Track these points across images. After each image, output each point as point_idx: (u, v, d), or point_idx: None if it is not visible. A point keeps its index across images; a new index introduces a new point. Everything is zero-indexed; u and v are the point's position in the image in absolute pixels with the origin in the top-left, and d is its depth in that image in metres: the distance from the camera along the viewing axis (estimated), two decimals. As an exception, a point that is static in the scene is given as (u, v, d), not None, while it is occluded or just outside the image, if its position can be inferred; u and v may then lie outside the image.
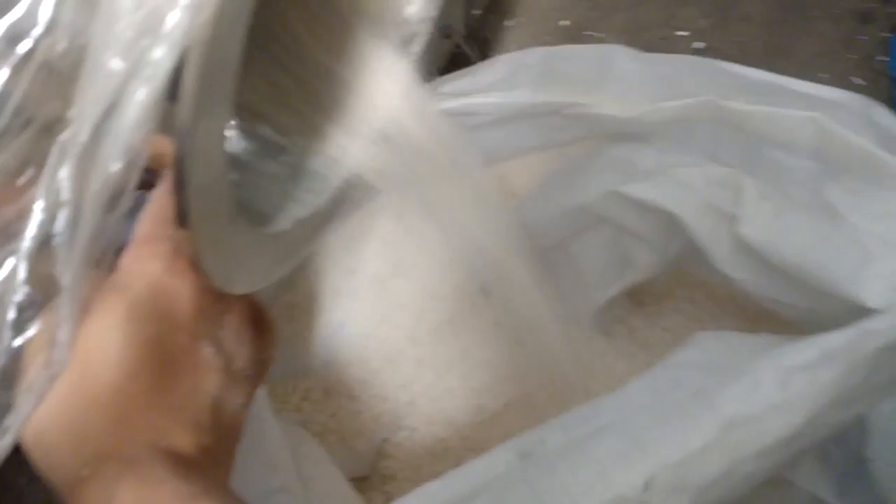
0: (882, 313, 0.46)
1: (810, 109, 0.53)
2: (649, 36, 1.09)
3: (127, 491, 0.26)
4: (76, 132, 0.24)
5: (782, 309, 0.59)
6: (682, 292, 0.68)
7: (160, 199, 0.29)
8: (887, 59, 1.05)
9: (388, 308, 0.66)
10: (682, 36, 1.09)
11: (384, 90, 0.51)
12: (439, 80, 0.60)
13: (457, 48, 1.04)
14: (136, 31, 0.22)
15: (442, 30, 1.07)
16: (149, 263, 0.28)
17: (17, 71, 0.23)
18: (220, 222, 0.33)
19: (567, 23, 1.12)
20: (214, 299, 0.31)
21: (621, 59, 0.58)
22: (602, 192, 0.59)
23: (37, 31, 0.23)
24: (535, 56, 0.60)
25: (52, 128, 0.25)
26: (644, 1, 1.12)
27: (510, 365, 0.64)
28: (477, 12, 1.10)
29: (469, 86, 0.60)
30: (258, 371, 0.34)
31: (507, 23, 1.14)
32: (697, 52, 1.06)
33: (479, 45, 1.09)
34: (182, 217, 0.29)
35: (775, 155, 0.56)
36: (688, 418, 0.43)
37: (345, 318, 0.64)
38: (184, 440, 0.29)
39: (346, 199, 0.51)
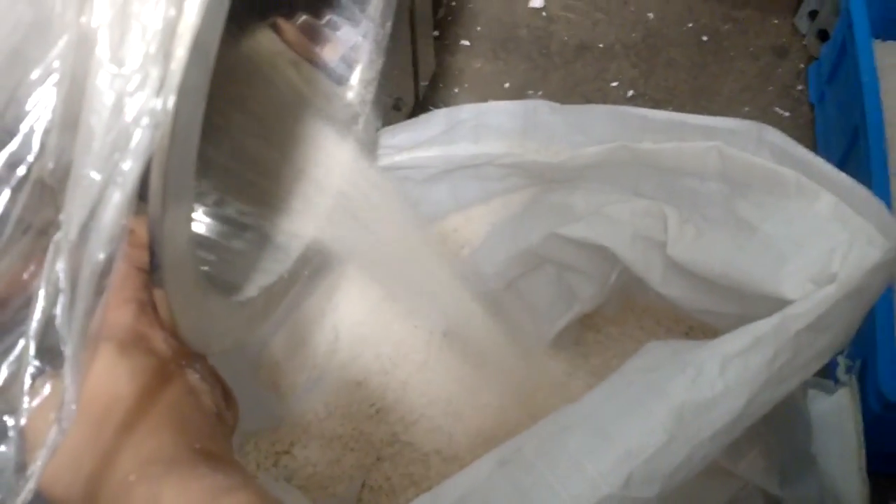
0: (800, 301, 0.51)
1: (710, 139, 0.59)
2: (585, 89, 1.17)
3: (171, 487, 0.31)
4: (66, 232, 0.29)
5: (717, 320, 0.64)
6: (632, 319, 0.74)
7: (121, 271, 0.35)
8: (805, 88, 1.14)
9: (365, 361, 0.71)
10: (614, 86, 1.16)
11: (333, 167, 0.58)
12: (382, 131, 0.66)
13: (409, 119, 1.11)
14: (109, 148, 0.28)
15: (393, 103, 1.14)
16: (122, 319, 0.34)
17: (16, 190, 0.29)
18: (192, 294, 0.39)
19: (509, 85, 1.20)
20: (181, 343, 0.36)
21: (543, 111, 0.64)
22: (543, 235, 0.65)
23: (31, 157, 0.29)
24: (467, 112, 0.66)
25: (46, 231, 0.30)
26: (578, 59, 1.20)
27: (476, 401, 0.69)
28: (425, 83, 1.17)
29: (411, 139, 0.67)
30: (232, 422, 0.39)
31: (454, 90, 1.22)
32: (630, 99, 1.14)
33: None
34: (158, 289, 0.35)
35: (689, 183, 0.62)
36: (643, 408, 0.48)
37: (322, 374, 0.69)
38: (212, 444, 0.33)
39: (308, 266, 0.57)
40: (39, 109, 0.29)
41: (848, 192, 0.56)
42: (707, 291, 0.61)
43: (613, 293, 0.68)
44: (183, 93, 0.31)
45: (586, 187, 0.66)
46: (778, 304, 0.54)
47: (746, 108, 1.14)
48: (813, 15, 1.18)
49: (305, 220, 0.56)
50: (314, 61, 0.58)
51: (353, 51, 0.59)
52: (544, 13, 1.26)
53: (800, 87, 1.15)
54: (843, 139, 0.98)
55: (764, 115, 1.13)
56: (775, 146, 0.58)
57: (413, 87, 1.13)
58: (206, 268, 0.42)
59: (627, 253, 0.62)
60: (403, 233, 0.61)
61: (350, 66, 0.59)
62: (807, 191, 0.57)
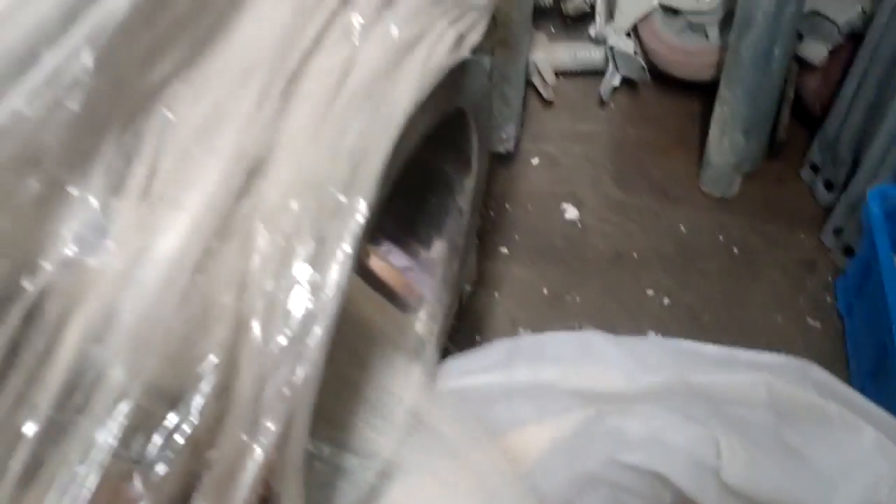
0: None
1: (758, 373, 0.63)
2: (622, 296, 1.22)
3: None
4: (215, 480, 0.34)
5: (771, 543, 0.66)
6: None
7: None
8: (834, 299, 1.18)
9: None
10: (650, 294, 1.22)
11: (403, 391, 0.62)
12: (448, 358, 0.71)
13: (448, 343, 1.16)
14: (255, 414, 0.33)
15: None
16: None
17: (178, 453, 0.33)
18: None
19: (546, 291, 1.25)
20: None
21: (598, 342, 0.70)
22: (601, 460, 0.68)
23: (187, 427, 0.33)
24: (527, 341, 0.72)
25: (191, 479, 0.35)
26: (614, 266, 1.26)
27: None
28: (468, 289, 1.23)
29: (475, 365, 0.72)
30: None
31: (495, 294, 1.27)
32: (666, 307, 1.19)
33: (472, 318, 1.22)
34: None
35: (739, 411, 0.66)
36: None
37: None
38: None
39: (378, 485, 0.59)
40: (201, 383, 0.34)
41: (887, 426, 0.60)
42: (761, 517, 0.63)
43: (667, 515, 0.70)
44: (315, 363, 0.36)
45: (640, 412, 0.70)
46: (830, 531, 0.56)
47: (779, 318, 1.18)
48: (838, 232, 1.24)
49: (378, 443, 0.60)
50: (388, 295, 0.64)
51: (421, 287, 0.65)
52: (579, 224, 1.34)
53: (828, 299, 1.19)
54: (874, 353, 1.02)
55: (796, 325, 1.17)
56: (819, 382, 0.62)
57: (457, 294, 1.19)
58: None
59: (682, 479, 0.65)
60: (467, 450, 0.64)
61: (419, 301, 0.64)
62: (850, 424, 0.61)
